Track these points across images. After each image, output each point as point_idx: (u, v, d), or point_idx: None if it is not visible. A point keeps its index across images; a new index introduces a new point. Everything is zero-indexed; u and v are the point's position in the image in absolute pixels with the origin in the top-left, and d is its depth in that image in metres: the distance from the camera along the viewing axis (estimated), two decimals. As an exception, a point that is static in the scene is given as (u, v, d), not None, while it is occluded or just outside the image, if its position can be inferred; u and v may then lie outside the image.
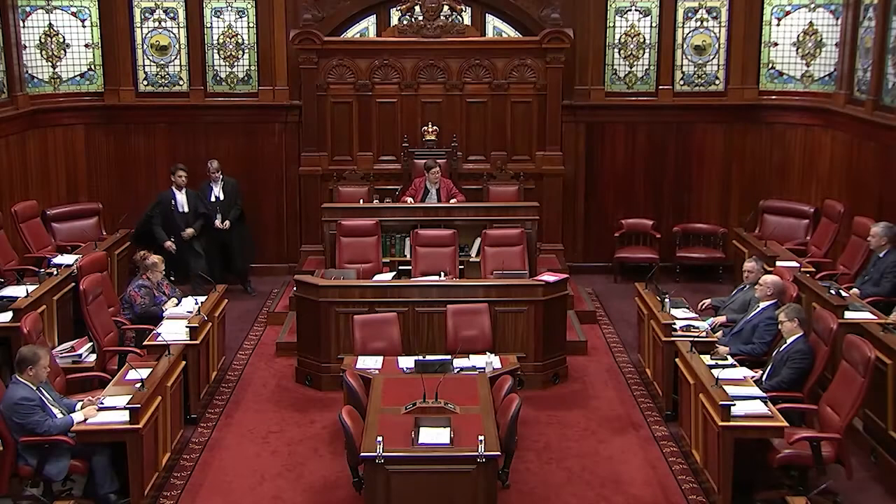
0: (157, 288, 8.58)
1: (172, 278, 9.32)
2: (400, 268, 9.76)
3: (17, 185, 10.54)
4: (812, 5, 11.21)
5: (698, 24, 11.53)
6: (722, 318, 8.12)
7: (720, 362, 6.98)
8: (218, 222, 10.81)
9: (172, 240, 10.45)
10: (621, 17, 11.58)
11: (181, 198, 10.60)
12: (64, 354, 7.77)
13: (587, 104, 11.58)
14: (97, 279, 8.11)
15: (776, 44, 11.42)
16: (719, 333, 7.90)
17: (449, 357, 7.27)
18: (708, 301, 8.59)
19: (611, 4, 11.54)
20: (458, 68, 11.22)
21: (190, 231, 10.51)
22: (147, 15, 11.48)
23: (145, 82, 11.60)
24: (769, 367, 7.00)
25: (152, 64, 11.57)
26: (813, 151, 11.11)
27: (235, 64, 11.62)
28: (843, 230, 9.85)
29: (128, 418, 6.11)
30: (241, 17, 11.54)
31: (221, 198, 10.94)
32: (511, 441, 6.33)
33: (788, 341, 6.92)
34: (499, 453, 5.79)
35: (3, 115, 10.31)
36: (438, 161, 10.70)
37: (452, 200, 10.44)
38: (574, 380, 8.68)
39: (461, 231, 9.84)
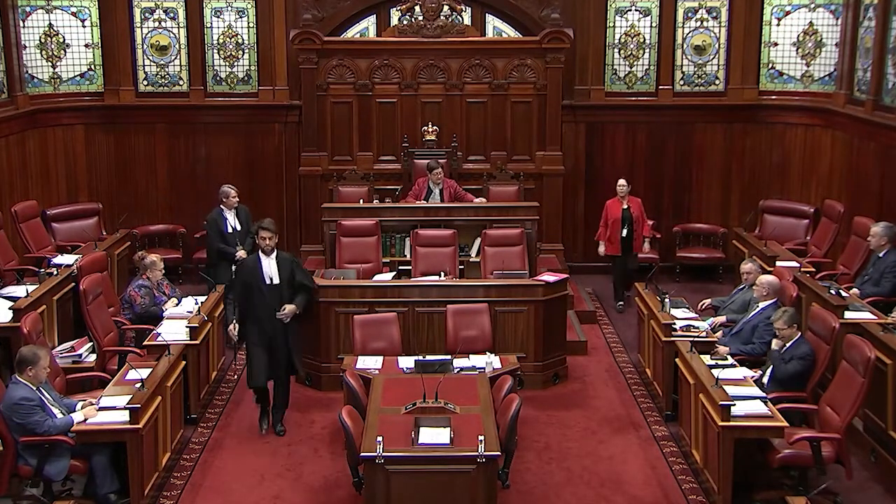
0: (157, 288, 8.57)
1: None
2: (400, 268, 9.75)
3: (17, 185, 10.55)
4: (812, 5, 11.21)
5: (698, 24, 11.54)
6: (722, 318, 8.12)
7: (720, 362, 6.99)
8: (241, 252, 9.39)
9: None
10: (621, 17, 11.58)
11: (267, 264, 7.53)
12: (64, 354, 7.77)
13: (587, 104, 11.59)
14: (97, 279, 8.10)
15: (776, 44, 11.43)
16: (719, 333, 7.89)
17: (449, 357, 7.27)
18: (708, 301, 8.59)
19: (611, 4, 11.55)
20: (458, 68, 11.22)
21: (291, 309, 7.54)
22: (147, 15, 11.49)
23: (145, 82, 11.60)
24: (769, 368, 6.98)
25: (152, 64, 11.58)
26: (813, 151, 11.11)
27: (235, 64, 11.62)
28: (843, 230, 9.85)
29: (128, 418, 6.11)
30: (241, 17, 11.54)
31: (238, 227, 9.64)
32: (511, 441, 6.33)
33: (787, 345, 6.90)
34: (499, 453, 5.79)
35: (3, 115, 10.31)
36: (439, 161, 10.69)
37: (478, 200, 10.44)
38: (574, 380, 8.68)
39: (461, 231, 9.83)
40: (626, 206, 10.46)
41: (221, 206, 9.67)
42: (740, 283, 8.54)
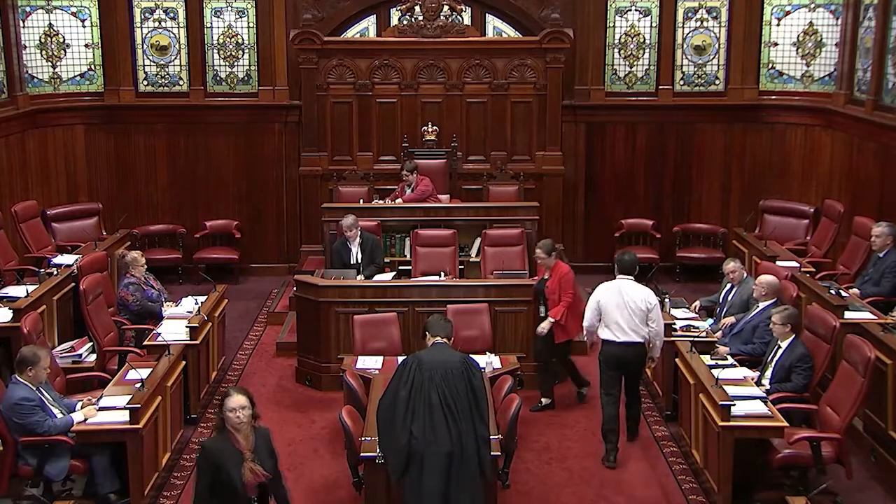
0: (145, 282, 8.53)
1: None
2: (400, 268, 9.76)
3: (17, 185, 10.55)
4: (812, 5, 11.21)
5: (698, 24, 11.54)
6: (731, 319, 8.02)
7: (720, 362, 6.98)
8: (359, 277, 8.92)
9: None
10: (621, 17, 11.58)
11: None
12: (64, 354, 7.77)
13: (587, 104, 11.58)
14: (97, 279, 8.10)
15: (776, 44, 11.42)
16: (719, 333, 7.87)
17: (449, 357, 7.24)
18: (698, 303, 8.54)
19: (611, 4, 11.54)
20: (458, 68, 11.22)
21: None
22: (147, 15, 11.48)
23: (145, 82, 11.60)
24: (770, 372, 6.94)
25: (152, 64, 11.57)
26: (813, 151, 11.11)
27: (235, 64, 11.62)
28: (843, 230, 9.85)
29: (128, 418, 6.11)
30: (241, 17, 11.54)
31: (361, 258, 9.18)
32: (511, 441, 6.33)
33: (784, 346, 6.88)
34: (499, 453, 5.79)
35: (3, 115, 10.31)
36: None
37: (443, 197, 10.40)
38: (574, 380, 8.67)
39: (461, 231, 9.84)
40: (545, 276, 8.12)
41: (344, 238, 9.14)
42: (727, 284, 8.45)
